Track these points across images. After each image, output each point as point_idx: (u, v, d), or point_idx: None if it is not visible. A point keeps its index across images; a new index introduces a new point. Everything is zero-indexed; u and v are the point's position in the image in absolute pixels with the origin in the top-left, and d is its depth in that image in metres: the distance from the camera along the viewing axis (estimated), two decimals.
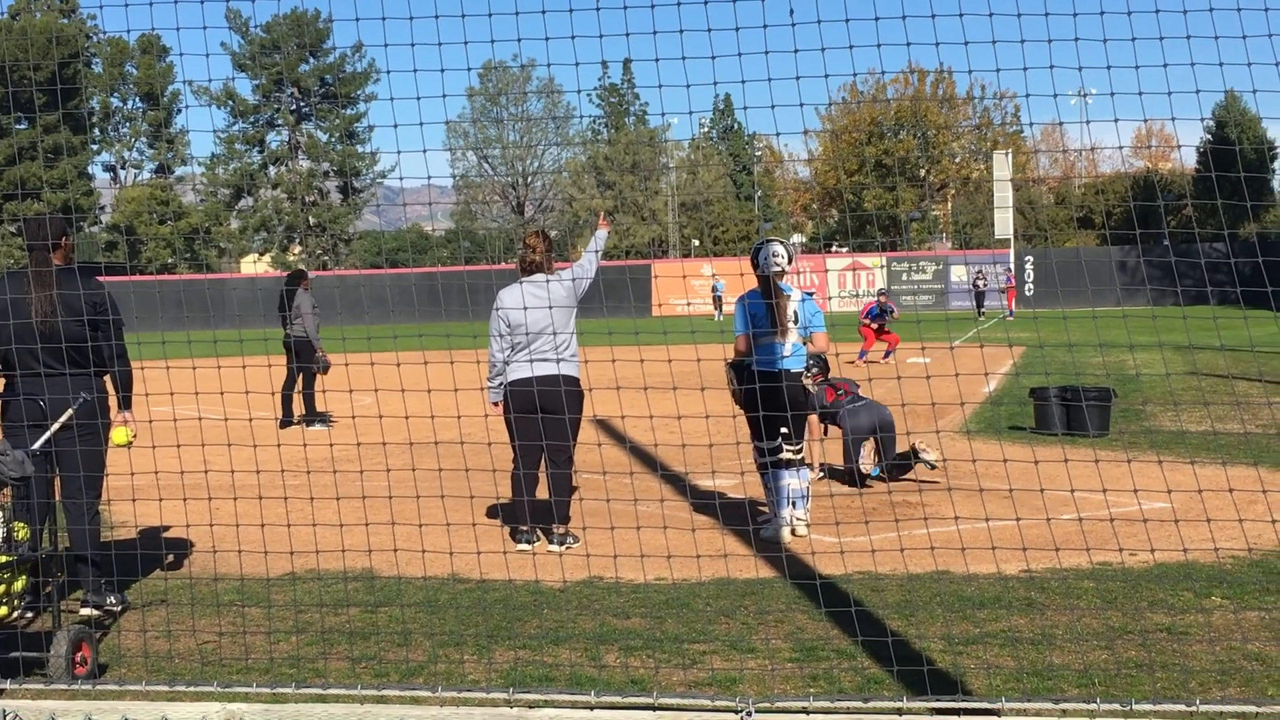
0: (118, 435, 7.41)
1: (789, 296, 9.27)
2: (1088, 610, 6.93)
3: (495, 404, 9.24)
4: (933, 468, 11.08)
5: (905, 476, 11.32)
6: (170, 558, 8.76)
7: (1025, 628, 6.64)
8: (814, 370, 11.31)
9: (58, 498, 7.39)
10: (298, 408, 17.55)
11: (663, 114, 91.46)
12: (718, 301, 55.52)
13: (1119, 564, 7.79)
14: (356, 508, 8.68)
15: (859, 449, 11.43)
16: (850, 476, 11.28)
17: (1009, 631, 6.58)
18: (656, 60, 6.46)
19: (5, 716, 5.72)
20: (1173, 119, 6.44)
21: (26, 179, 69.12)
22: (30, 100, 46.37)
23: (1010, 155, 53.75)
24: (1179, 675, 5.78)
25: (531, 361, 8.96)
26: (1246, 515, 7.27)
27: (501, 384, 9.16)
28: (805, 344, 9.41)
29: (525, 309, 8.97)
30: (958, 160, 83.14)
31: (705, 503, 10.00)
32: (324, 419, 17.24)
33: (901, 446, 11.35)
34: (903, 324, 23.82)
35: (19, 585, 6.22)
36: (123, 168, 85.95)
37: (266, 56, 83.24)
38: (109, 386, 7.55)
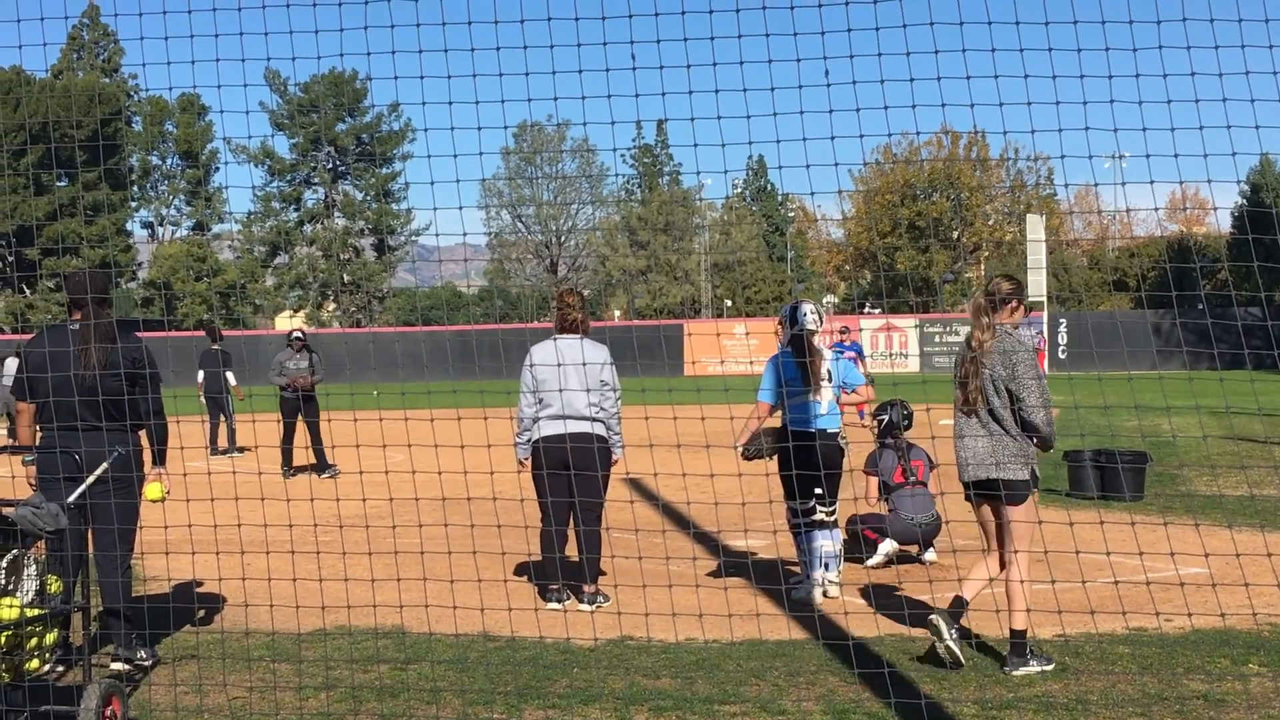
0: (151, 490, 7.42)
1: (822, 355, 9.27)
2: (1123, 676, 6.85)
3: (523, 460, 9.23)
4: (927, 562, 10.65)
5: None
6: (201, 612, 8.77)
7: (1060, 693, 6.57)
8: (880, 419, 10.95)
9: (90, 551, 7.41)
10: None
11: (697, 174, 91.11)
12: None
13: (1155, 629, 7.70)
14: (388, 563, 8.68)
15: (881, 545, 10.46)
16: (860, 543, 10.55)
17: (1043, 696, 6.50)
18: (692, 120, 6.51)
19: None
20: (1208, 181, 6.43)
21: (66, 235, 69.91)
22: (71, 157, 46.93)
23: (1044, 217, 53.62)
24: None
25: (563, 418, 8.96)
26: None
27: (530, 440, 9.14)
28: (838, 402, 9.39)
29: (558, 365, 8.96)
30: (991, 222, 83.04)
31: (737, 562, 9.95)
32: (333, 470, 17.30)
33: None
34: (938, 384, 23.70)
35: (51, 638, 6.23)
36: (160, 224, 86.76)
37: (304, 115, 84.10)
38: (143, 441, 7.58)
